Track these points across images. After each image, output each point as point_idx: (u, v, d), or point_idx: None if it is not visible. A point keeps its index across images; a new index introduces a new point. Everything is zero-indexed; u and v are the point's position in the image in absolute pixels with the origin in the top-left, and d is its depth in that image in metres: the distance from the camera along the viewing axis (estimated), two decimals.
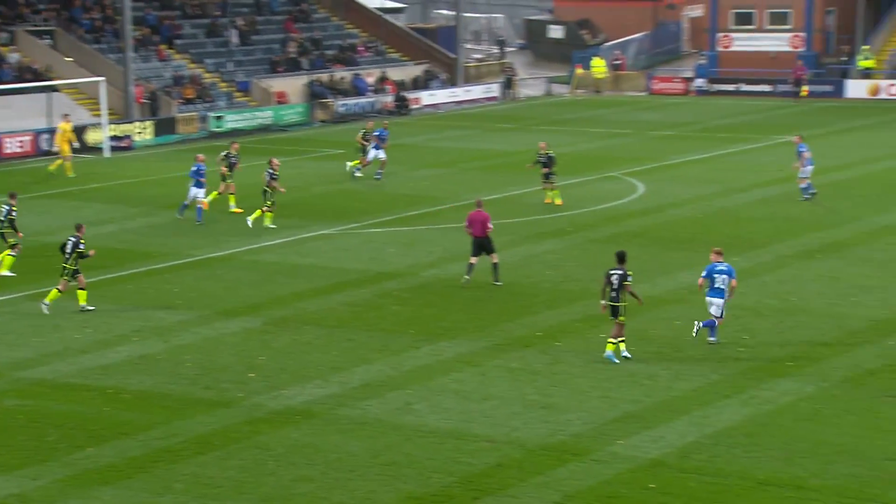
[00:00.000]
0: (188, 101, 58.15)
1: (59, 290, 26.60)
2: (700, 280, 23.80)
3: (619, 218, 35.78)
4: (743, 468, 17.85)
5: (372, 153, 42.68)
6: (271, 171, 35.30)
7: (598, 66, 71.38)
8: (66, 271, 26.48)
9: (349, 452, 18.80)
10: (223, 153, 38.04)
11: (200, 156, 36.17)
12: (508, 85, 69.23)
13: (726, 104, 63.00)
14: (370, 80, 65.01)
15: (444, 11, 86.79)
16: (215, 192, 37.14)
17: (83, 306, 26.54)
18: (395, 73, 66.69)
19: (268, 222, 34.90)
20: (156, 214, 38.00)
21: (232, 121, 57.33)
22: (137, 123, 54.39)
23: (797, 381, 21.38)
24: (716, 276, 23.41)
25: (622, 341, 22.77)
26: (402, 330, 25.21)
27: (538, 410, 20.40)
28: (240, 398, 21.26)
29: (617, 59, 73.24)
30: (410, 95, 64.42)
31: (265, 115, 58.75)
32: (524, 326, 25.21)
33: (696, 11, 78.93)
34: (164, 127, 55.27)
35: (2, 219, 29.26)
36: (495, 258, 28.47)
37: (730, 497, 16.99)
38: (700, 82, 67.98)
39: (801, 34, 69.46)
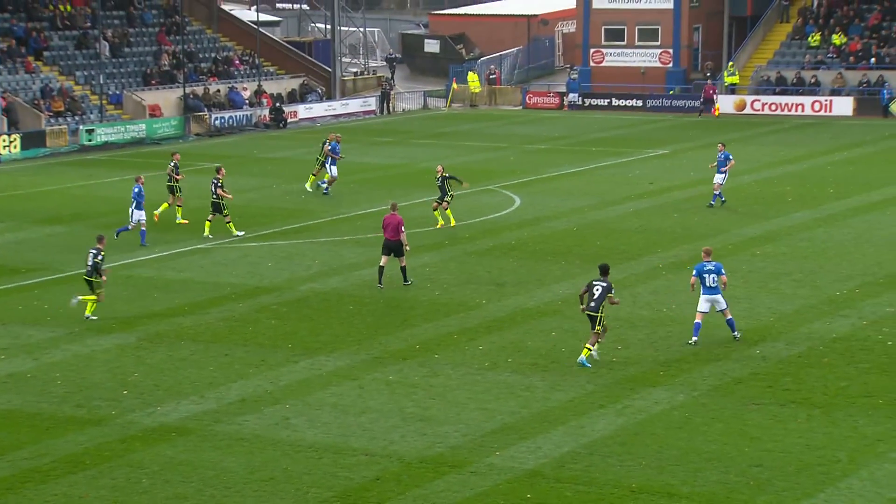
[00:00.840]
0: (57, 114, 56.95)
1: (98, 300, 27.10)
2: (692, 279, 24.61)
3: (496, 231, 36.06)
4: (617, 477, 18.12)
5: (332, 169, 42.48)
6: (216, 179, 35.35)
7: (473, 80, 71.94)
8: (94, 283, 26.91)
9: (225, 469, 18.59)
10: (172, 164, 37.59)
11: (141, 178, 35.37)
12: (385, 99, 69.33)
13: (599, 118, 64.03)
14: (246, 93, 64.47)
15: (320, 25, 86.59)
16: (165, 204, 37.24)
17: (87, 316, 26.80)
18: (272, 87, 66.27)
19: (234, 230, 35.12)
20: (24, 230, 37.14)
21: (104, 134, 56.29)
22: (4, 137, 53.05)
23: (669, 390, 21.79)
24: (705, 275, 24.38)
25: (596, 344, 23.23)
26: (279, 344, 25.04)
27: (416, 423, 20.44)
28: (112, 416, 20.87)
29: (492, 74, 73.91)
30: (287, 109, 64.09)
31: (138, 129, 57.80)
32: (402, 339, 25.25)
33: (569, 27, 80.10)
34: (33, 140, 53.98)
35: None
36: (403, 262, 28.91)
37: None
38: (573, 97, 68.96)
39: (670, 50, 70.98)
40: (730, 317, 24.58)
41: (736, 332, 24.55)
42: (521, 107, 70.38)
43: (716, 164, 39.26)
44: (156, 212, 36.70)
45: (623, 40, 72.02)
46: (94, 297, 26.97)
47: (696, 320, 24.53)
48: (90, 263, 26.83)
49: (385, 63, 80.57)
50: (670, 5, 70.39)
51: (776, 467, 18.24)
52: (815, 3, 69.99)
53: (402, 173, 47.92)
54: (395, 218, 28.90)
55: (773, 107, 64.08)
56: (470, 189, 36.17)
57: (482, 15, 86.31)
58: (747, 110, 64.60)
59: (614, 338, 24.86)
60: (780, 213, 37.62)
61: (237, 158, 51.09)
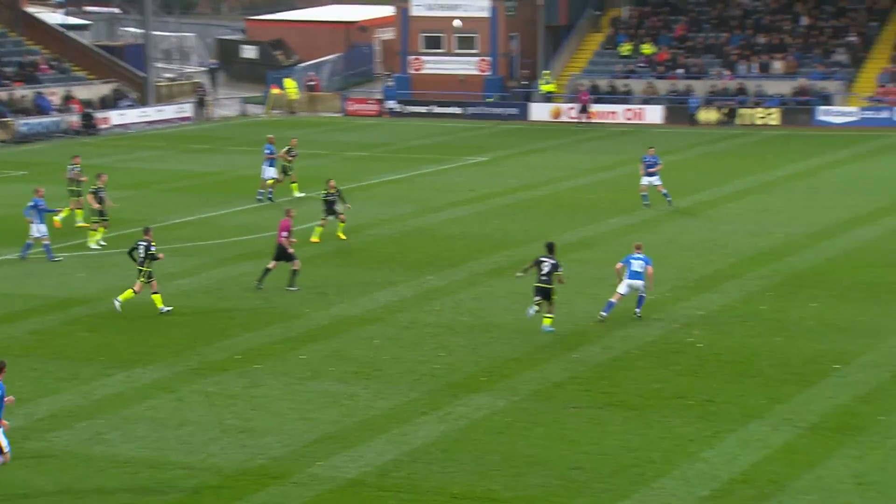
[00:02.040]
0: None
1: (135, 292, 27.51)
2: (618, 265, 26.78)
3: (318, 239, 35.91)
4: (439, 484, 18.27)
5: (268, 171, 41.64)
6: (97, 187, 34.74)
7: (291, 86, 71.54)
8: (143, 273, 27.40)
9: (36, 488, 18.02)
10: (73, 168, 36.97)
11: (41, 189, 33.81)
12: (201, 105, 68.31)
13: (419, 125, 64.47)
14: (54, 98, 62.63)
15: (132, 29, 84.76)
16: (67, 209, 36.78)
17: (161, 309, 27.35)
18: (82, 92, 64.53)
19: (98, 237, 34.58)
20: None
21: None
22: None
23: (490, 395, 22.08)
24: (633, 260, 26.45)
25: (550, 315, 25.38)
26: (92, 357, 24.40)
27: (236, 435, 20.20)
28: None
29: (311, 81, 73.64)
30: (98, 115, 62.50)
31: None
32: (221, 350, 24.92)
33: (388, 34, 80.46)
34: None
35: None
36: (296, 265, 29.40)
37: None
38: (392, 104, 69.25)
39: (488, 58, 71.99)
40: (643, 295, 26.64)
41: (638, 311, 26.66)
42: (341, 114, 70.28)
43: (643, 166, 40.38)
44: (56, 219, 36.20)
45: (442, 48, 72.69)
46: (154, 292, 27.62)
47: (611, 299, 26.57)
48: (142, 255, 27.38)
49: (204, 69, 79.47)
50: (487, 14, 71.37)
51: (594, 469, 18.67)
52: (626, 14, 72.07)
53: (220, 181, 47.28)
54: (286, 221, 29.47)
55: (589, 114, 65.48)
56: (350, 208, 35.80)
57: (300, 21, 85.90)
58: (563, 118, 65.97)
59: (436, 344, 25.08)
60: (595, 219, 38.56)
61: (46, 166, 49.56)
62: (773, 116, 62.38)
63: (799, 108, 62.48)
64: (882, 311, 27.05)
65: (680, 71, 67.48)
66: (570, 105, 66.20)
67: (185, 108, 67.97)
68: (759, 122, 62.59)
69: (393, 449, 19.56)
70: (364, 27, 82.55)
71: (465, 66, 72.28)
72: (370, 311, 27.89)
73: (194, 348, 24.91)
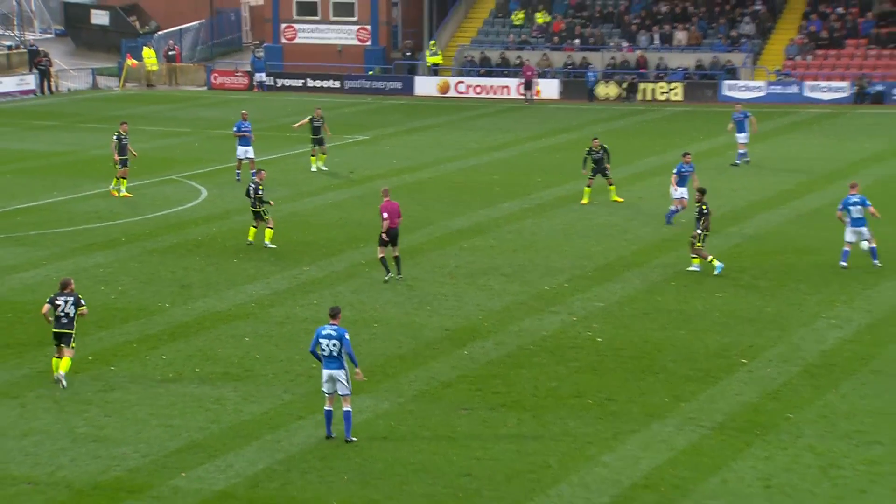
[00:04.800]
0: None
1: (255, 227, 32.86)
2: (839, 213, 29.98)
3: (180, 226, 35.54)
4: (317, 494, 18.22)
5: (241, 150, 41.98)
6: None
7: (150, 57, 70.55)
8: (255, 213, 32.69)
9: None
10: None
11: None
12: (45, 77, 66.97)
13: (293, 101, 64.08)
14: None
15: None
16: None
17: (266, 244, 32.40)
18: None
19: None
20: None
21: None
22: None
23: (372, 397, 22.08)
24: (850, 207, 29.81)
25: None
26: None
27: (89, 444, 19.90)
28: None
29: (171, 50, 72.68)
30: None
31: None
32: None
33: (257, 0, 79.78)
34: None
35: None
36: (397, 251, 29.46)
37: None
38: (262, 77, 68.69)
39: (367, 27, 71.80)
40: (874, 245, 29.36)
41: (876, 261, 29.33)
42: (205, 87, 69.57)
43: (733, 124, 43.76)
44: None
45: (317, 15, 72.29)
46: (268, 226, 32.44)
47: (844, 248, 29.71)
48: (253, 196, 32.43)
49: (49, 36, 77.91)
50: None
51: (485, 476, 18.79)
52: None
53: (69, 161, 46.47)
54: (394, 204, 29.22)
55: (479, 89, 65.88)
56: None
57: None
58: (452, 93, 66.14)
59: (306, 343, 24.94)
60: (487, 203, 38.77)
61: None
62: (676, 91, 63.38)
63: (703, 83, 63.59)
64: (791, 301, 27.69)
65: (576, 42, 68.15)
66: (458, 79, 66.34)
67: (28, 81, 66.56)
68: (660, 97, 63.56)
69: (265, 457, 19.45)
70: None
71: (343, 35, 72.03)
72: (239, 306, 27.68)
73: (41, 349, 24.45)
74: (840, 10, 66.27)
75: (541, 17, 69.96)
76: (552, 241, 33.87)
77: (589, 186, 38.25)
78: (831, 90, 61.45)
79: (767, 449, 19.59)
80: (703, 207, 29.82)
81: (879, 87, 60.93)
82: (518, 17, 70.43)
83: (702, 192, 30.37)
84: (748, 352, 24.24)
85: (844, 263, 29.89)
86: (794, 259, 31.09)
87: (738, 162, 44.17)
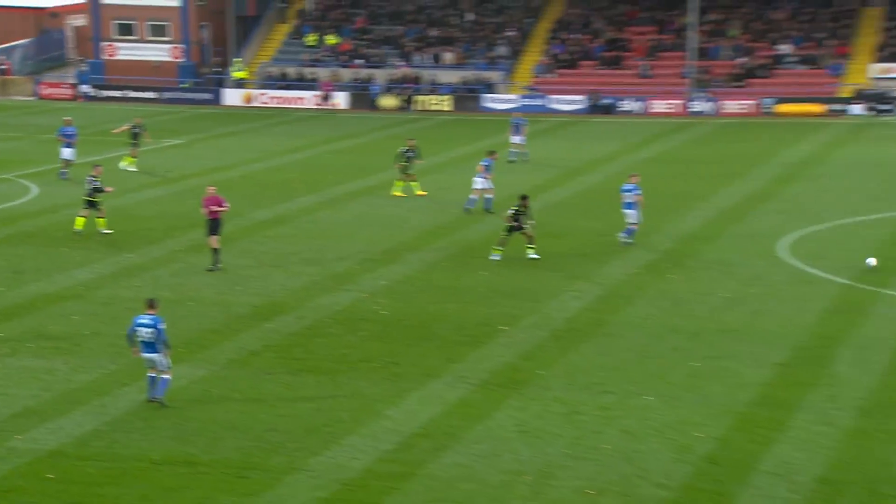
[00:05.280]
0: None
1: (83, 217, 30.53)
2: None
3: (13, 219, 34.15)
4: (139, 451, 17.78)
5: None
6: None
7: None
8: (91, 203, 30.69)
9: None
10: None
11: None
12: None
13: (115, 109, 62.17)
14: None
15: None
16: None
17: (102, 230, 30.92)
18: None
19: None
20: None
21: None
22: None
23: (190, 366, 21.64)
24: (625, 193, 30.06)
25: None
26: None
27: None
28: None
29: (2, 65, 69.67)
30: None
31: None
32: None
33: (80, 20, 77.12)
34: None
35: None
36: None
37: (127, 479, 16.87)
38: (87, 88, 66.50)
39: (181, 46, 70.28)
40: (633, 226, 29.92)
41: (629, 238, 29.81)
42: (34, 97, 66.86)
43: (512, 127, 42.64)
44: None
45: (134, 35, 70.38)
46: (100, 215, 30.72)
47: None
48: (90, 187, 30.77)
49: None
50: (178, 3, 69.66)
51: (288, 430, 18.65)
52: (310, 6, 72.21)
53: None
54: (216, 197, 28.23)
55: (279, 100, 65.36)
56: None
57: None
58: (255, 103, 65.38)
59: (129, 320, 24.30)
60: (287, 198, 38.40)
61: None
62: (446, 103, 64.06)
63: (468, 96, 64.44)
64: (542, 278, 28.31)
65: (361, 60, 68.13)
66: (260, 91, 65.50)
67: None
68: (433, 107, 64.12)
69: (93, 420, 18.88)
70: (55, 13, 78.75)
71: (159, 52, 70.31)
72: (68, 289, 26.74)
73: None
74: (576, 36, 68.11)
75: (331, 39, 69.71)
76: (344, 229, 33.80)
77: (401, 181, 38.26)
78: (570, 102, 63.09)
79: (522, 400, 19.99)
80: (522, 209, 29.61)
81: (608, 100, 62.88)
82: (311, 38, 70.01)
83: (524, 197, 30.14)
84: (508, 320, 24.67)
85: (625, 237, 30.88)
86: (547, 243, 31.74)
87: (513, 159, 44.99)
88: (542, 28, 69.57)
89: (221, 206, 28.59)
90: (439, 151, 48.32)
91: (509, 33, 68.71)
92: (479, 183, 35.63)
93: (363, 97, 65.32)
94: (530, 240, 29.54)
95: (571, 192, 37.73)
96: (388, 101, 64.75)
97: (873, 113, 59.32)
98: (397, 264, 29.53)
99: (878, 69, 61.76)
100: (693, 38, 63.43)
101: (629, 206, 30.72)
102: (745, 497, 16.08)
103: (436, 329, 24.14)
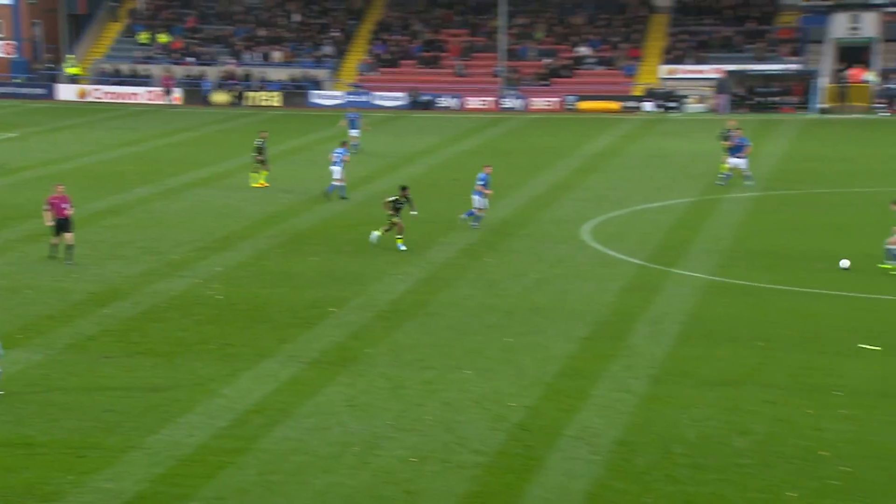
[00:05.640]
0: None
1: None
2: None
3: None
4: None
5: None
6: None
7: None
8: None
9: None
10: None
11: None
12: None
13: None
14: None
15: None
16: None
17: None
18: None
19: None
20: None
21: None
22: None
23: (28, 351, 20.84)
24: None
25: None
26: None
27: None
28: None
29: None
30: None
31: None
32: None
33: None
34: None
35: None
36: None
37: None
38: None
39: (13, 42, 67.48)
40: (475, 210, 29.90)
41: (475, 223, 29.65)
42: None
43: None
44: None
45: None
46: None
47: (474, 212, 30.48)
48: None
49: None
50: (9, 1, 66.93)
51: (125, 411, 18.18)
52: (142, 5, 70.44)
53: None
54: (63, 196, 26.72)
55: (113, 95, 63.55)
56: None
57: None
58: (90, 98, 63.37)
59: None
60: (122, 189, 37.32)
61: None
62: (276, 99, 63.41)
63: (296, 92, 63.91)
64: (369, 262, 28.35)
65: (192, 58, 66.74)
66: (94, 87, 63.48)
67: None
68: (263, 103, 63.36)
69: None
70: None
71: None
72: None
73: None
74: (397, 37, 68.35)
75: (163, 38, 68.02)
76: (180, 219, 33.07)
77: (256, 172, 37.49)
78: (393, 99, 63.29)
79: (350, 377, 20.01)
80: (402, 199, 29.30)
81: (428, 97, 63.35)
82: (143, 37, 68.16)
83: (403, 188, 29.87)
84: (337, 302, 24.63)
85: (469, 220, 31.35)
86: (372, 230, 31.73)
87: (354, 151, 44.66)
88: (365, 29, 69.53)
89: (68, 205, 27.55)
90: (270, 145, 47.66)
91: (334, 34, 68.41)
92: (337, 172, 35.70)
93: (196, 93, 64.03)
94: (400, 230, 29.31)
95: (395, 182, 37.85)
96: (220, 97, 63.65)
97: (662, 110, 61.57)
98: (231, 251, 29.09)
99: (665, 70, 64.16)
100: (503, 41, 64.50)
101: (477, 192, 31.47)
102: (552, 460, 16.50)
103: (268, 312, 23.90)
